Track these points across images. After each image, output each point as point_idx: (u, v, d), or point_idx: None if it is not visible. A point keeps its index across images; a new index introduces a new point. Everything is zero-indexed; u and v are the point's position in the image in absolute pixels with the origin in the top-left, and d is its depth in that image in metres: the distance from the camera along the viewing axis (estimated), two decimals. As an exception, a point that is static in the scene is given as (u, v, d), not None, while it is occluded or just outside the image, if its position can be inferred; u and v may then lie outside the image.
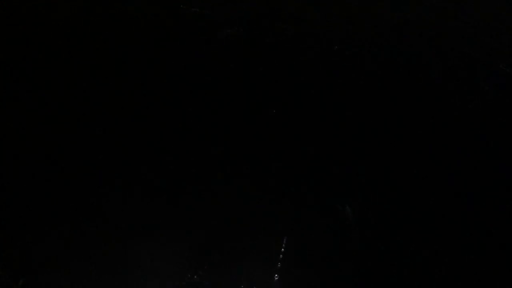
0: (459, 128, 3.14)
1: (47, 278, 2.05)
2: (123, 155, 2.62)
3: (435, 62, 3.75)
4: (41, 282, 2.03)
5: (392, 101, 3.32)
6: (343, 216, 2.43)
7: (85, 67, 3.25)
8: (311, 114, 3.12)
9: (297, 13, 4.18)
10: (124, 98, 3.03)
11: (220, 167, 2.64)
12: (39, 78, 3.10)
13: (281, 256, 2.22)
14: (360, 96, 3.32)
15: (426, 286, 2.21)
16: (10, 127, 2.72)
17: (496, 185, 2.74)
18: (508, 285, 2.26)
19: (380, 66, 3.64)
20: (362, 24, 4.11)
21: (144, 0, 4.11)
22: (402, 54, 3.78)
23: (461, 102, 3.35)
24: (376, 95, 3.35)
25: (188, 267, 2.13)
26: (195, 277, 2.10)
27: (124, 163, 2.57)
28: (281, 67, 3.51)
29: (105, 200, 2.36)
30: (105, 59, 3.36)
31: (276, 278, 2.12)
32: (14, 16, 3.73)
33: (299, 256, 2.24)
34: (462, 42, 3.93)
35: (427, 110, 3.25)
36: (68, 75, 3.17)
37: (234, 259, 2.19)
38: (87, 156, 2.58)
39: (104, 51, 3.43)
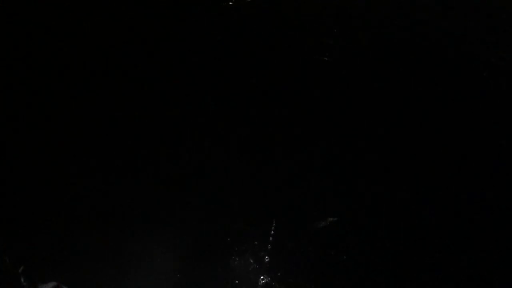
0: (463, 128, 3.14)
1: (46, 265, 2.07)
2: (120, 153, 2.64)
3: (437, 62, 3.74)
4: (41, 269, 2.05)
5: (393, 101, 3.32)
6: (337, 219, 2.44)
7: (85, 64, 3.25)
8: (310, 113, 3.13)
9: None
10: (122, 95, 3.04)
11: (215, 166, 2.65)
12: (41, 76, 3.11)
13: (272, 255, 2.23)
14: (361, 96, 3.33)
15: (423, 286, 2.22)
16: (10, 126, 2.73)
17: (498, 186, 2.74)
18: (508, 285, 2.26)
19: (381, 65, 3.64)
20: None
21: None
22: (403, 53, 3.78)
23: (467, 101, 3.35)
24: (374, 95, 3.35)
25: (183, 265, 2.15)
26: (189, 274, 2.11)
27: (122, 161, 2.59)
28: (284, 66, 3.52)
29: (102, 194, 2.39)
30: (104, 57, 3.37)
31: (266, 279, 2.14)
32: (13, 15, 3.74)
33: (293, 258, 2.26)
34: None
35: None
36: (69, 73, 3.17)
37: (227, 259, 2.21)
38: (85, 154, 2.60)
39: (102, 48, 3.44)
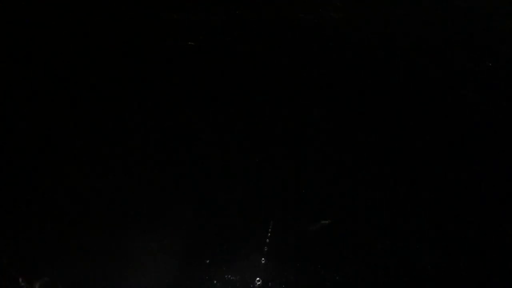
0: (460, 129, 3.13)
1: (44, 265, 2.08)
2: (119, 152, 2.64)
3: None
4: (39, 269, 2.06)
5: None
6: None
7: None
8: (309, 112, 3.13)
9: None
10: (121, 94, 3.04)
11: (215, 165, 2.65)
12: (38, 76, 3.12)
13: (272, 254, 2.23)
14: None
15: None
16: (9, 125, 2.74)
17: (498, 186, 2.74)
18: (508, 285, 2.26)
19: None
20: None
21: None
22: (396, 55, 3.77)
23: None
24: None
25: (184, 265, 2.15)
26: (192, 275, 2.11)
27: (121, 160, 2.59)
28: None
29: (100, 194, 2.39)
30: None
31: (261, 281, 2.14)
32: (13, 15, 3.75)
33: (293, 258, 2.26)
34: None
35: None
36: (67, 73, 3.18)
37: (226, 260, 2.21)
38: (83, 153, 2.61)
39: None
